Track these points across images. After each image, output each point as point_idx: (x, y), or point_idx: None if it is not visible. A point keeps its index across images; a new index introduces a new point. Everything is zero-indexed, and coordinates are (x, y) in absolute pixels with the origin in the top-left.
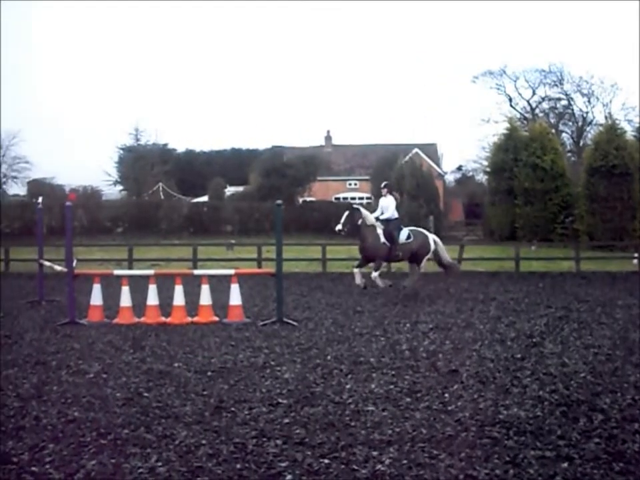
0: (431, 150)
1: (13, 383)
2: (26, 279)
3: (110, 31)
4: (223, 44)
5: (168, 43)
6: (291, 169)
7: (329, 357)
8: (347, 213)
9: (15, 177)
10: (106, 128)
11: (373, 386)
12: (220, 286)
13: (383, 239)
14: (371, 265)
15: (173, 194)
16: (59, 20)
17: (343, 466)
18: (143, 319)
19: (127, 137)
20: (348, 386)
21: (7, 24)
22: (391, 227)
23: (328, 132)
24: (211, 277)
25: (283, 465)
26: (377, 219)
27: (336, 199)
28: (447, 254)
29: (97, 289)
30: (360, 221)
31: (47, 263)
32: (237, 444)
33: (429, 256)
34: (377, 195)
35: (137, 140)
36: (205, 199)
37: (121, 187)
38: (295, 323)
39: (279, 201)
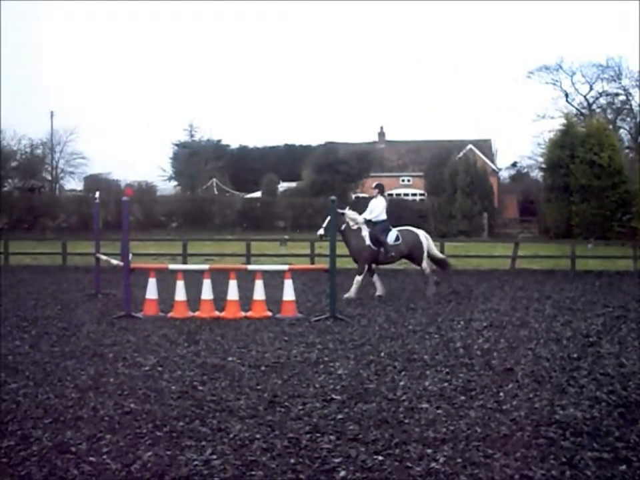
0: (485, 146)
1: (71, 374)
2: (83, 272)
3: (166, 28)
4: (277, 41)
5: (222, 41)
6: (344, 165)
7: (382, 353)
8: (329, 217)
9: (72, 172)
10: (161, 124)
11: (426, 383)
12: (273, 281)
13: (368, 241)
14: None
15: (227, 189)
16: (116, 18)
17: (396, 463)
18: (197, 313)
19: (182, 133)
20: (402, 383)
21: (64, 23)
22: (377, 229)
23: (381, 128)
24: (264, 272)
25: (337, 460)
26: (365, 220)
27: (389, 195)
28: (436, 249)
29: (152, 282)
30: (344, 226)
31: (104, 257)
32: (290, 439)
33: (426, 254)
34: (431, 192)
35: (192, 136)
36: (258, 194)
37: (175, 183)
38: (347, 319)
39: (333, 197)
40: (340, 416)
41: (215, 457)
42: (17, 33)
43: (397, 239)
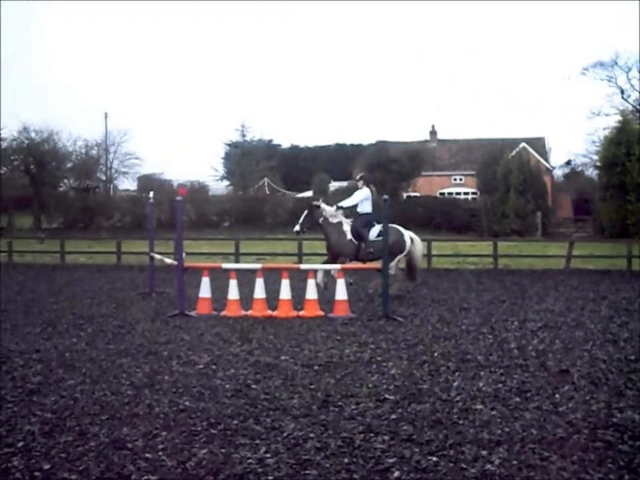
0: (538, 144)
1: (127, 371)
2: (137, 271)
3: (219, 29)
4: (330, 41)
5: (275, 41)
6: (396, 163)
7: (436, 353)
8: (305, 212)
9: (126, 172)
10: (213, 124)
11: (481, 384)
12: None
13: (349, 236)
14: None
15: (278, 189)
16: (169, 19)
17: (451, 464)
18: (249, 312)
19: (234, 133)
20: (455, 383)
21: (118, 26)
22: (359, 222)
23: (433, 126)
24: (315, 271)
25: (391, 461)
26: (340, 207)
27: (441, 194)
28: (420, 258)
29: (205, 281)
30: (321, 219)
31: (158, 256)
32: (344, 438)
33: (402, 255)
34: (483, 191)
35: (244, 136)
36: (309, 194)
37: (227, 182)
38: (400, 319)
39: (386, 196)
40: (393, 416)
41: (269, 455)
42: (72, 36)
43: (379, 234)
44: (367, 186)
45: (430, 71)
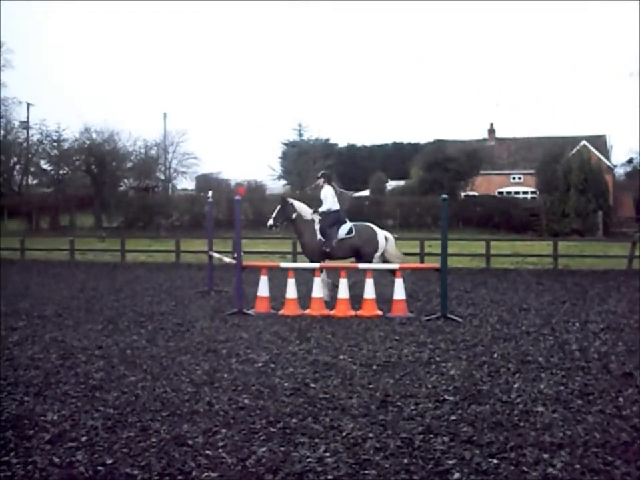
0: (599, 142)
1: (187, 369)
2: (195, 270)
3: (276, 30)
4: (386, 40)
5: (331, 42)
6: (454, 162)
7: (495, 354)
8: (278, 207)
9: (184, 172)
10: (271, 124)
11: (542, 386)
12: (383, 280)
13: (319, 236)
14: None
15: (335, 188)
16: (226, 20)
17: (512, 467)
18: (307, 311)
19: (291, 132)
20: (516, 385)
21: (176, 28)
22: (327, 221)
23: (491, 125)
24: (373, 270)
25: (451, 462)
26: (316, 211)
27: (499, 193)
28: (398, 254)
29: (263, 280)
30: (294, 215)
31: (216, 255)
32: (403, 439)
33: (378, 254)
34: (543, 190)
35: (300, 135)
36: (366, 193)
37: (284, 181)
38: (459, 319)
39: (445, 195)
40: (453, 417)
41: (328, 454)
42: (133, 38)
43: (349, 231)
44: (329, 183)
45: (487, 68)
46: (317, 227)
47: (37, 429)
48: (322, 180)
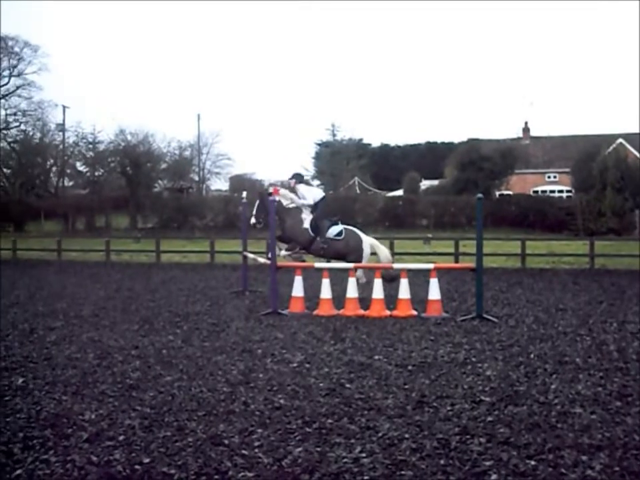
0: (636, 139)
1: (222, 369)
2: (230, 270)
3: (309, 30)
4: (420, 39)
5: (364, 42)
6: (488, 161)
7: (532, 355)
8: (257, 202)
9: (218, 173)
10: (304, 124)
11: (579, 387)
12: (417, 280)
13: (306, 224)
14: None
15: (369, 188)
16: (258, 22)
17: (550, 469)
18: (342, 311)
19: (324, 132)
20: (553, 386)
21: (209, 29)
22: (319, 213)
23: (526, 123)
24: (408, 270)
25: (488, 463)
26: (308, 205)
27: (534, 192)
28: (388, 257)
29: (298, 280)
30: (275, 204)
31: (251, 255)
32: (440, 439)
33: (364, 262)
34: (578, 188)
35: (334, 135)
36: (400, 192)
37: (318, 182)
38: (495, 320)
39: (480, 195)
40: (490, 418)
41: (364, 455)
42: (166, 41)
43: (339, 234)
44: (301, 182)
45: (522, 66)
46: (304, 216)
47: (75, 427)
48: (293, 181)
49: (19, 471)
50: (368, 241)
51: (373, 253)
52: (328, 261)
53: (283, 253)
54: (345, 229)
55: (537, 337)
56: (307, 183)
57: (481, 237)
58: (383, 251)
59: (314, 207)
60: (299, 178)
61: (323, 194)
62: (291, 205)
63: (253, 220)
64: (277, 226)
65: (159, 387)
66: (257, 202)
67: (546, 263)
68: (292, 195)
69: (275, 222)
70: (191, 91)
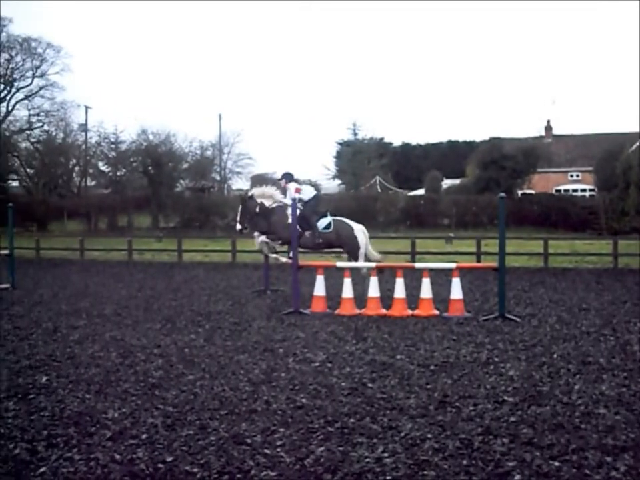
0: None
1: (244, 368)
2: (251, 269)
3: (329, 29)
4: (439, 37)
5: (384, 40)
6: (510, 160)
7: (555, 355)
8: (240, 207)
9: (239, 172)
10: (325, 123)
11: (603, 388)
12: (438, 279)
13: (290, 220)
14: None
15: (390, 187)
16: (278, 22)
17: (574, 470)
18: (363, 311)
19: (346, 131)
20: (576, 386)
21: (231, 29)
22: (307, 209)
23: (548, 122)
24: (430, 270)
25: (511, 464)
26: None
27: (557, 191)
28: (372, 248)
29: (320, 280)
30: (257, 208)
31: (272, 255)
32: (462, 440)
33: (362, 251)
34: (601, 187)
35: (355, 134)
36: (421, 192)
37: (339, 181)
38: (517, 319)
39: (502, 194)
40: (513, 418)
41: (386, 454)
42: (187, 41)
43: (328, 226)
44: (291, 182)
45: (544, 65)
46: (289, 211)
47: (99, 426)
48: (284, 181)
49: (43, 469)
50: (359, 228)
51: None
52: (350, 260)
53: (262, 238)
54: (334, 220)
55: (560, 337)
56: (297, 181)
57: (503, 236)
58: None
59: (305, 203)
60: (288, 177)
61: (315, 192)
62: (274, 205)
63: (238, 226)
64: (262, 225)
65: (182, 386)
66: (240, 207)
67: (569, 262)
68: (273, 193)
69: (254, 222)
70: (213, 91)
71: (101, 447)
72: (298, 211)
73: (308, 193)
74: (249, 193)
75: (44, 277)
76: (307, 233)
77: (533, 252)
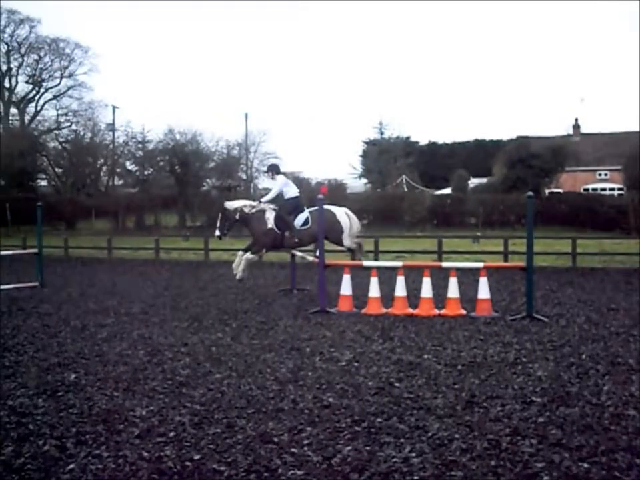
0: None
1: (271, 366)
2: (277, 268)
3: (355, 29)
4: (464, 37)
5: (410, 39)
6: (538, 159)
7: (584, 355)
8: (219, 215)
9: (266, 172)
10: (351, 122)
11: (632, 389)
12: (465, 279)
13: (270, 224)
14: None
15: (416, 186)
16: (304, 22)
17: (604, 472)
18: (390, 310)
19: (372, 130)
20: (605, 387)
21: (255, 29)
22: (285, 209)
23: (576, 120)
24: (457, 269)
25: (539, 465)
26: (262, 202)
27: (585, 190)
28: (355, 232)
29: (346, 279)
30: (237, 215)
31: (299, 254)
32: (490, 440)
33: (346, 234)
34: (630, 186)
35: (381, 133)
36: (448, 190)
37: (365, 180)
38: (545, 319)
39: (530, 193)
40: (541, 419)
41: (413, 454)
42: (213, 41)
43: (306, 222)
44: (277, 174)
45: (571, 62)
46: (268, 215)
47: (127, 423)
48: (270, 173)
49: (72, 465)
50: (342, 212)
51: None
52: (377, 258)
53: (247, 255)
54: (311, 212)
55: (589, 337)
56: (285, 174)
57: (531, 235)
58: (355, 222)
59: (283, 204)
60: (275, 169)
61: (297, 194)
62: (253, 210)
63: (217, 232)
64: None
65: (209, 384)
66: (220, 215)
67: (597, 262)
68: (246, 201)
69: (231, 227)
70: (239, 90)
71: (129, 444)
72: (271, 215)
73: (291, 191)
74: (226, 204)
75: (72, 275)
76: (287, 234)
77: (560, 251)
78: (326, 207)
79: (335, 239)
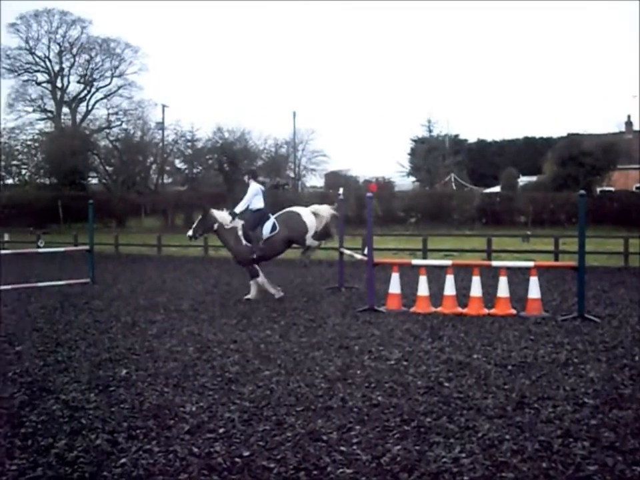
0: None
1: (320, 364)
2: (325, 266)
3: (405, 27)
4: (514, 33)
5: (458, 36)
6: (589, 157)
7: (637, 357)
8: (199, 217)
9: (314, 170)
10: (399, 120)
11: None
12: (515, 278)
13: (244, 241)
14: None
15: (465, 184)
16: (350, 20)
17: None
18: (439, 309)
19: (420, 128)
20: None
21: (303, 28)
22: (249, 223)
23: (628, 117)
24: (507, 268)
25: (592, 468)
26: (235, 214)
27: (637, 188)
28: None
29: (395, 277)
30: (216, 225)
31: (348, 252)
32: (541, 442)
33: (310, 234)
34: None
35: (430, 131)
36: (497, 189)
37: (413, 178)
38: (597, 320)
39: (582, 191)
40: (593, 421)
41: (463, 455)
42: (262, 41)
43: (273, 228)
44: (254, 179)
45: (624, 58)
46: (240, 232)
47: (177, 419)
48: (247, 177)
49: (123, 460)
50: (307, 211)
51: None
52: (425, 257)
53: (260, 280)
54: (279, 215)
55: None
56: (261, 182)
57: (583, 234)
58: (325, 209)
59: (249, 216)
60: (252, 174)
61: (262, 205)
62: (229, 226)
63: (190, 232)
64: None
65: (258, 381)
66: (200, 217)
67: None
68: (224, 215)
69: (205, 232)
70: (287, 89)
71: (179, 439)
72: (240, 229)
73: (258, 203)
74: (211, 211)
75: (122, 272)
76: (261, 244)
77: (612, 251)
78: (293, 208)
79: (299, 239)
